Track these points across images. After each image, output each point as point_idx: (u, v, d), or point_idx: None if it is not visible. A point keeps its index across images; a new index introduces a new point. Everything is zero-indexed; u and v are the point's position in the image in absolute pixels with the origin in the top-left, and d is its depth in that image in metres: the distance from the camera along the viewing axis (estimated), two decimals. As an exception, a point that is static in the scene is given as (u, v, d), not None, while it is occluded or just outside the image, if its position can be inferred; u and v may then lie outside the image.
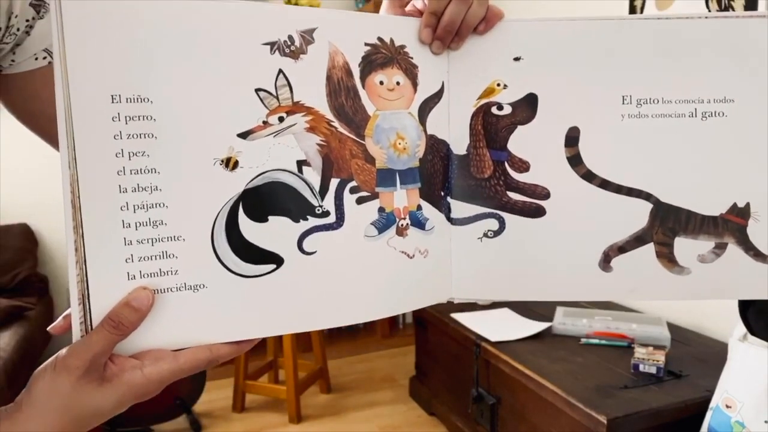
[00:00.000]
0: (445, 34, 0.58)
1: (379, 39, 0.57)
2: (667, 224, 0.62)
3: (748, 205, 0.62)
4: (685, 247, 0.63)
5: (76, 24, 0.45)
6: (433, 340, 2.18)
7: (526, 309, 1.97)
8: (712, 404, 1.13)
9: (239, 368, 2.29)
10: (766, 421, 0.85)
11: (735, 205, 0.62)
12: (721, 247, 0.63)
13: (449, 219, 0.63)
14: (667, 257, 0.63)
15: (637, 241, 0.63)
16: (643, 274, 0.63)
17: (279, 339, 2.43)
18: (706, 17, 0.61)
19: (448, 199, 0.63)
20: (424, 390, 2.29)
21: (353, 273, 0.56)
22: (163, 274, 0.48)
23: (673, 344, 1.59)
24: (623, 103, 0.61)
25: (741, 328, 0.88)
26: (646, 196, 0.62)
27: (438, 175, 0.62)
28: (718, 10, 1.75)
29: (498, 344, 1.68)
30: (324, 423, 2.25)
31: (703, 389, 1.32)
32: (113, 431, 1.94)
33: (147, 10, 0.47)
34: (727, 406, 0.98)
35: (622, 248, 0.63)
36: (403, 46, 0.58)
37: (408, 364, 2.57)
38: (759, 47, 0.60)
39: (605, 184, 0.62)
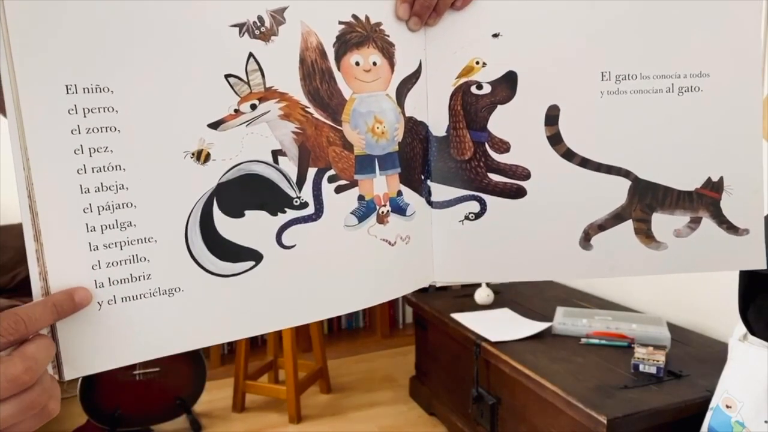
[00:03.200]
0: (423, 10, 0.55)
1: (354, 16, 0.53)
2: (645, 201, 0.62)
3: (721, 179, 0.62)
4: (661, 222, 0.63)
5: (21, 3, 0.40)
6: (433, 340, 2.16)
7: (526, 309, 1.95)
8: (712, 404, 1.13)
9: (239, 368, 2.25)
10: (766, 421, 0.88)
11: (709, 179, 0.63)
12: (695, 222, 0.63)
13: (429, 202, 0.61)
14: (644, 233, 0.63)
15: (616, 218, 0.63)
16: (622, 250, 0.63)
17: (279, 339, 2.39)
18: (683, -10, 0.60)
19: (428, 182, 0.61)
20: (424, 390, 2.27)
21: (334, 264, 0.54)
22: (135, 279, 0.45)
23: (673, 344, 1.58)
24: (602, 80, 0.60)
25: (741, 328, 0.90)
26: (625, 174, 0.62)
27: (417, 159, 0.60)
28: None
29: (498, 344, 1.66)
30: (324, 423, 2.23)
31: (703, 389, 1.30)
32: (113, 431, 1.89)
33: (100, -10, 0.42)
34: (727, 406, 1.00)
35: (601, 226, 0.63)
36: (378, 24, 0.55)
37: (408, 364, 2.54)
38: (735, 21, 0.60)
39: (585, 163, 0.61)
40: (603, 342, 1.63)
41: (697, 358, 1.51)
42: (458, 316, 1.92)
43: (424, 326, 2.21)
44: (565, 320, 1.74)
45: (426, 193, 0.61)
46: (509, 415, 1.65)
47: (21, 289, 2.52)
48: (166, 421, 2.01)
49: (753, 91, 0.62)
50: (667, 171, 0.62)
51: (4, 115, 0.42)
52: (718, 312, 1.68)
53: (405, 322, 3.19)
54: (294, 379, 2.20)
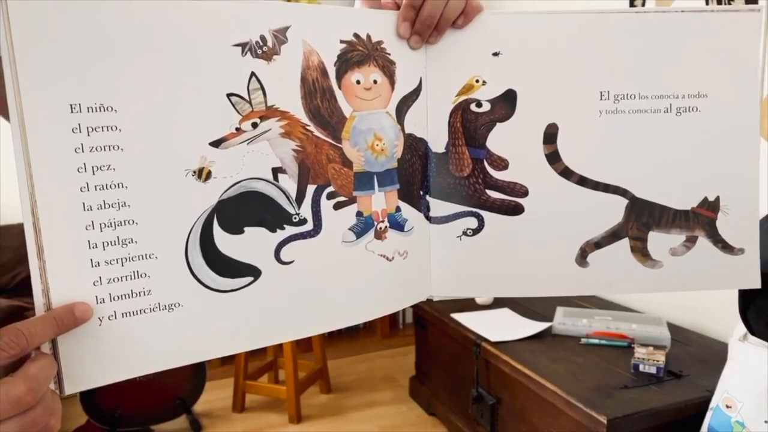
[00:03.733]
0: (424, 29, 0.56)
1: (355, 35, 0.54)
2: (642, 219, 0.63)
3: (718, 198, 0.63)
4: (657, 241, 0.63)
5: (26, 25, 0.41)
6: (433, 340, 2.17)
7: (526, 309, 1.95)
8: (712, 404, 1.13)
9: (239, 368, 2.26)
10: (766, 421, 0.88)
11: (706, 199, 0.63)
12: (691, 241, 0.64)
13: (428, 218, 0.62)
14: (641, 251, 0.64)
15: (613, 236, 0.63)
16: (618, 268, 0.63)
17: (278, 339, 2.40)
18: (682, 11, 0.60)
19: (427, 197, 0.61)
20: (424, 390, 2.28)
21: (332, 280, 0.55)
22: (135, 295, 0.46)
23: (673, 344, 1.58)
24: (601, 99, 0.61)
25: (741, 328, 0.90)
26: (622, 192, 0.62)
27: (416, 175, 0.60)
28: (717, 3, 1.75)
29: (498, 344, 1.66)
30: (324, 423, 2.24)
31: (703, 389, 1.31)
32: (113, 431, 1.90)
33: (107, 9, 0.43)
34: (727, 406, 1.00)
35: (598, 244, 0.63)
36: (380, 42, 0.55)
37: (408, 364, 2.55)
38: (734, 43, 0.60)
39: (583, 181, 0.62)
40: (603, 342, 1.63)
41: (697, 358, 1.51)
42: (458, 316, 1.93)
43: (424, 326, 2.22)
44: (565, 320, 1.75)
45: (425, 209, 0.61)
46: (509, 415, 1.66)
47: (21, 289, 2.53)
48: (166, 421, 2.02)
49: (750, 111, 0.62)
50: (664, 190, 0.63)
51: (6, 118, 0.43)
52: (718, 312, 1.68)
53: (405, 322, 3.21)
54: (294, 379, 2.20)
